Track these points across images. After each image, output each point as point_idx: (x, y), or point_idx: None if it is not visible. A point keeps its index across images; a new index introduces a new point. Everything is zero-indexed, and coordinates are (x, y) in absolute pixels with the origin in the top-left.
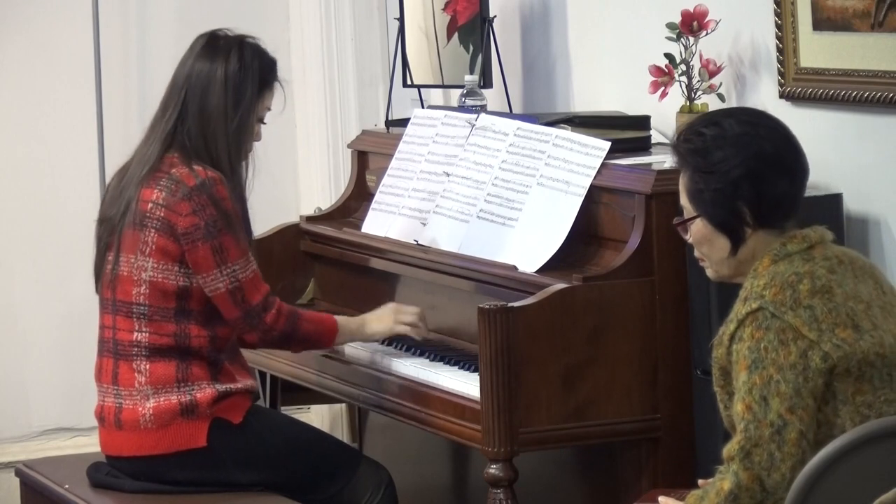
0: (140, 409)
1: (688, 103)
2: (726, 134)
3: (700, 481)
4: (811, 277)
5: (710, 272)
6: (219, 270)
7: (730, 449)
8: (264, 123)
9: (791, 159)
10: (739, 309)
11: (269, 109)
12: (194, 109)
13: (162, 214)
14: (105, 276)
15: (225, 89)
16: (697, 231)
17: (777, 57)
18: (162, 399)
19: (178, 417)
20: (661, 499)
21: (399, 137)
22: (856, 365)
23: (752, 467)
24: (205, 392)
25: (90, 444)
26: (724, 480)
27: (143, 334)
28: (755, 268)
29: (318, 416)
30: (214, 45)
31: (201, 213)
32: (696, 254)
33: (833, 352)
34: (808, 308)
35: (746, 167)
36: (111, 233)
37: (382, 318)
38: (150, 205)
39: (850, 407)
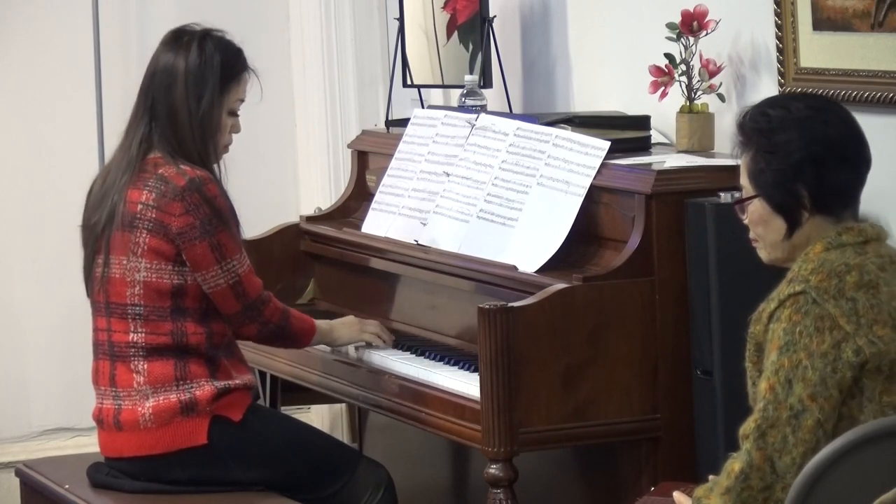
0: (139, 409)
1: (688, 103)
2: (792, 116)
3: (711, 477)
4: (860, 271)
5: (762, 254)
6: (219, 266)
7: (745, 427)
8: (237, 115)
9: (854, 148)
10: (783, 289)
11: (241, 101)
12: (161, 108)
13: (153, 215)
14: (95, 280)
15: (186, 84)
16: (755, 211)
17: (777, 57)
18: (161, 398)
19: (178, 416)
20: (675, 494)
21: (399, 137)
22: (888, 364)
23: (765, 447)
24: (204, 389)
25: (90, 444)
26: (735, 462)
27: (140, 335)
28: (806, 252)
29: (318, 416)
30: (178, 40)
31: (195, 213)
32: (751, 234)
33: (867, 347)
34: (850, 300)
35: (809, 151)
36: (97, 238)
37: (349, 326)
38: (139, 206)
39: (875, 405)
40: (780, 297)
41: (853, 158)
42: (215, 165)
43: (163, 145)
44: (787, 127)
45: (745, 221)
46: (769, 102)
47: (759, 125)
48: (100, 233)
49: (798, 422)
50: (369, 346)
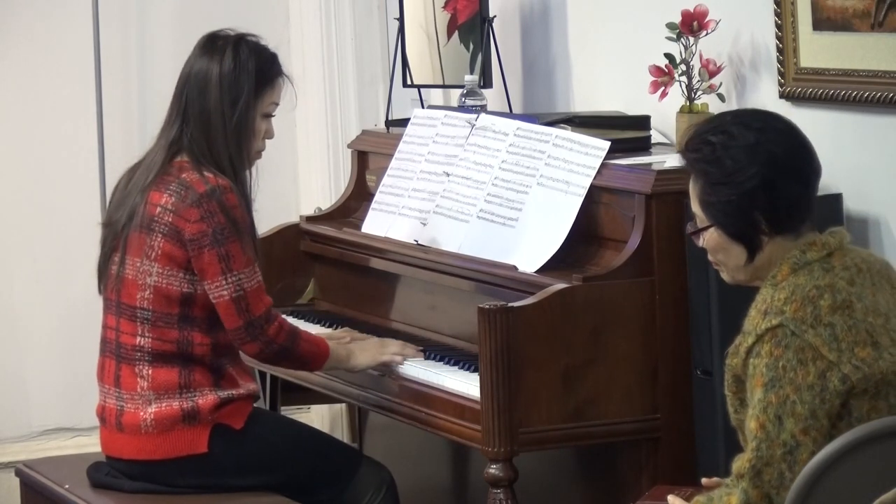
0: (141, 413)
1: (688, 103)
2: (736, 142)
3: (704, 480)
4: (832, 292)
5: (726, 277)
6: (223, 278)
7: (740, 466)
8: (273, 116)
9: (803, 162)
10: (759, 322)
11: (275, 104)
12: (195, 111)
13: (170, 220)
14: (110, 278)
15: (221, 89)
16: (712, 239)
17: (777, 57)
18: (164, 405)
19: (180, 423)
20: (670, 498)
21: (399, 137)
22: (873, 385)
23: (761, 485)
24: (207, 399)
25: (90, 444)
26: (731, 496)
27: (147, 339)
28: (774, 275)
29: (318, 416)
30: (212, 45)
31: (209, 220)
32: (711, 259)
33: (852, 374)
34: (828, 326)
35: (760, 176)
36: (116, 236)
37: (367, 351)
38: (158, 209)
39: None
40: (756, 330)
41: (803, 172)
42: (247, 171)
43: (192, 149)
44: (732, 154)
45: (703, 246)
46: (708, 128)
47: (702, 155)
48: (119, 231)
49: (793, 457)
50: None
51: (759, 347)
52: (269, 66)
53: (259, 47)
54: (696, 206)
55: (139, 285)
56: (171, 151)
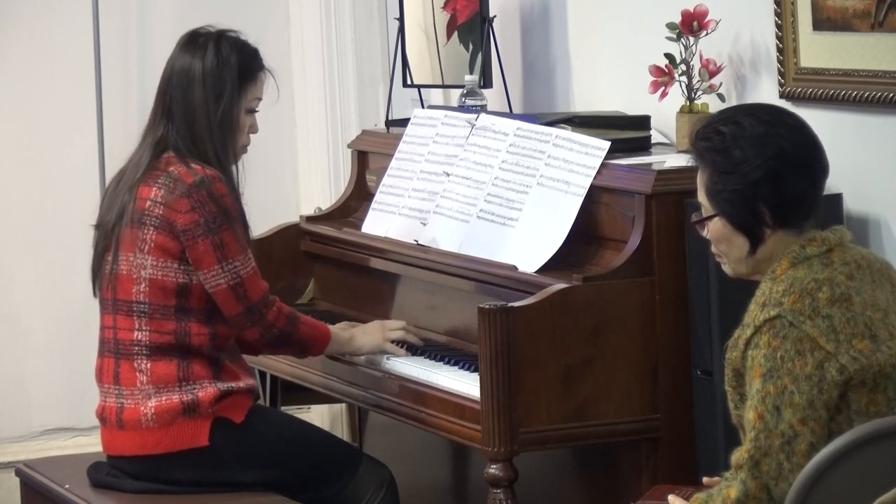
0: (142, 408)
1: (688, 103)
2: (746, 133)
3: (705, 479)
4: (830, 285)
5: (727, 269)
6: (220, 266)
7: (738, 457)
8: (257, 111)
9: (811, 159)
10: (757, 314)
11: (259, 99)
12: (179, 109)
13: (161, 212)
14: (104, 277)
15: (204, 85)
16: (716, 229)
17: (777, 57)
18: (164, 398)
19: (180, 416)
20: (670, 497)
21: (399, 137)
22: (871, 377)
23: (759, 476)
24: (207, 391)
25: (90, 444)
26: (730, 488)
27: (144, 333)
28: (773, 269)
29: (318, 416)
30: (194, 42)
31: (200, 210)
32: (714, 250)
33: (850, 364)
34: (826, 318)
35: (766, 168)
36: (108, 236)
37: (370, 333)
38: (148, 202)
39: (864, 418)
40: (755, 322)
41: (811, 169)
42: (233, 167)
43: (178, 145)
44: (741, 144)
45: (707, 237)
46: (720, 118)
47: (712, 144)
48: (110, 231)
49: (791, 448)
50: (402, 345)
51: (758, 339)
52: (251, 61)
53: (240, 43)
54: (702, 196)
55: (134, 279)
56: (158, 149)
